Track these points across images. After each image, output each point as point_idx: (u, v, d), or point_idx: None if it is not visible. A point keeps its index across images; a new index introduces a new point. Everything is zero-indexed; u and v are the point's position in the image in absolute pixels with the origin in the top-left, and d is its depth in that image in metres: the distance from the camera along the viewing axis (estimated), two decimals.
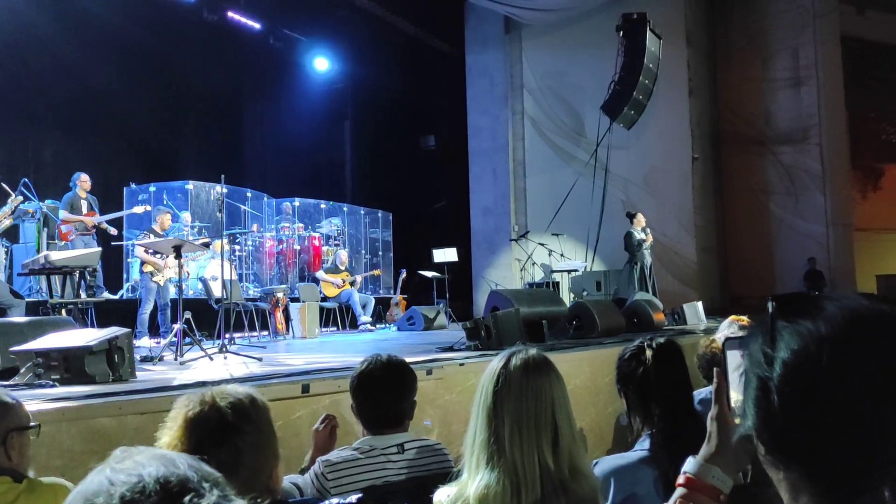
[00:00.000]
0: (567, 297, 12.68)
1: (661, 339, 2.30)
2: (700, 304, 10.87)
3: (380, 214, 15.72)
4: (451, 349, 6.16)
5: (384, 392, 2.48)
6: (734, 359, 1.16)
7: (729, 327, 3.57)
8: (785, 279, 15.11)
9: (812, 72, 15.17)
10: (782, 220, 15.42)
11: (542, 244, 13.15)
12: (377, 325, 11.88)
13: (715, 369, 1.20)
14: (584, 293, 12.85)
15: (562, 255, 13.08)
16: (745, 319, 3.61)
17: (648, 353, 2.24)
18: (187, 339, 6.36)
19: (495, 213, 15.86)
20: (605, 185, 14.24)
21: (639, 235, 11.49)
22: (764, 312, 0.86)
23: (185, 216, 11.01)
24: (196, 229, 11.00)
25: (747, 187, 15.72)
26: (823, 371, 0.76)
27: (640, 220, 11.63)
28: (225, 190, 7.28)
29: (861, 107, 18.85)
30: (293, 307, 9.92)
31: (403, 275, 12.99)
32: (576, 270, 13.05)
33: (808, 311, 0.80)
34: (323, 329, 10.81)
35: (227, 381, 1.89)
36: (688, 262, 14.27)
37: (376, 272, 14.28)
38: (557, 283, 13.26)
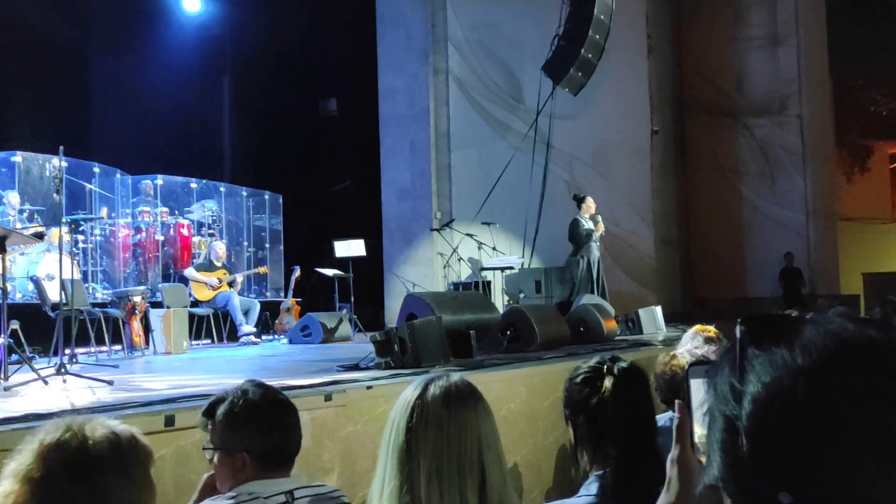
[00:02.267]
0: (500, 301, 12.79)
1: (624, 364, 2.33)
2: (659, 310, 11.16)
3: (267, 196, 15.50)
4: (356, 368, 6.13)
5: (280, 418, 2.45)
6: (699, 390, 1.19)
7: (693, 340, 3.66)
8: (758, 278, 15.68)
9: (792, 29, 15.74)
10: (756, 208, 15.98)
11: (471, 235, 13.22)
12: (263, 337, 11.73)
13: (677, 402, 1.22)
14: (521, 296, 13.00)
15: (494, 248, 13.18)
16: (711, 330, 3.70)
17: (608, 381, 2.27)
18: (14, 357, 6.13)
19: (413, 195, 15.87)
20: (546, 163, 14.43)
21: (587, 224, 11.67)
22: (733, 336, 0.88)
23: (12, 197, 10.61)
24: (26, 214, 10.62)
25: (716, 167, 16.23)
26: (799, 409, 0.78)
27: (590, 205, 11.81)
28: (65, 164, 7.05)
29: (847, 72, 19.66)
30: (154, 314, 9.72)
31: (297, 273, 12.85)
32: (511, 268, 13.18)
33: (784, 336, 0.82)
34: (193, 342, 10.64)
35: (70, 413, 1.87)
36: (644, 257, 14.63)
37: (262, 270, 14.09)
38: (489, 283, 13.35)
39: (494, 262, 13.08)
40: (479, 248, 13.05)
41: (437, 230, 14.59)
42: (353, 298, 12.63)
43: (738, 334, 0.85)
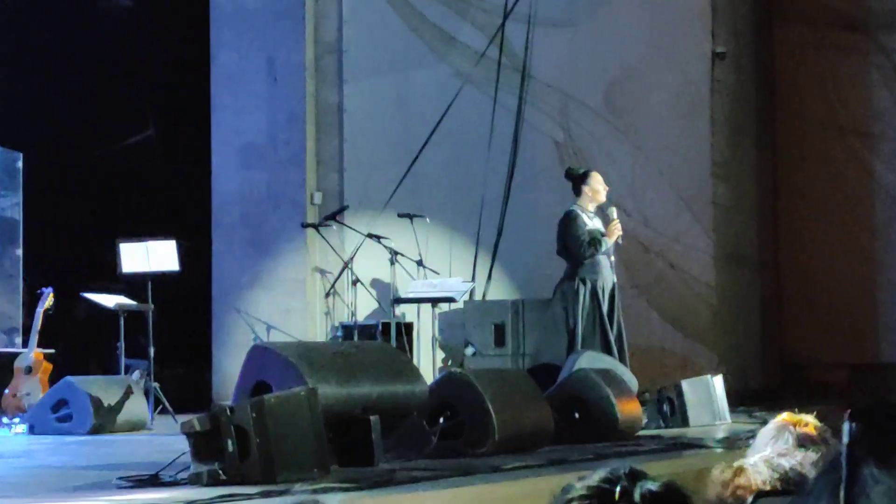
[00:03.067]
0: (429, 362, 12.83)
1: (653, 485, 2.33)
2: (720, 381, 11.28)
3: None
4: (154, 483, 6.16)
5: None
6: None
7: (776, 440, 3.71)
8: None
9: None
10: None
11: (377, 238, 13.26)
12: None
13: None
14: (470, 352, 13.06)
15: (420, 263, 13.23)
16: (810, 423, 3.76)
17: None
18: None
19: (271, 160, 15.87)
20: (520, 107, 14.52)
21: (591, 223, 11.69)
22: (837, 434, 0.89)
23: None
24: None
25: (828, 123, 16.45)
26: None
27: (597, 187, 11.78)
28: None
29: None
30: None
31: (48, 300, 12.75)
32: (451, 299, 13.22)
33: None
34: None
35: None
36: (696, 285, 14.77)
37: None
38: (409, 326, 13.38)
39: (420, 289, 13.12)
40: (393, 263, 13.10)
41: (313, 226, 14.59)
42: (152, 350, 12.57)
43: (845, 438, 0.86)
